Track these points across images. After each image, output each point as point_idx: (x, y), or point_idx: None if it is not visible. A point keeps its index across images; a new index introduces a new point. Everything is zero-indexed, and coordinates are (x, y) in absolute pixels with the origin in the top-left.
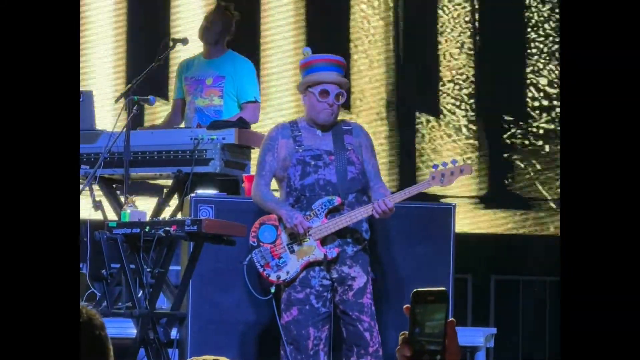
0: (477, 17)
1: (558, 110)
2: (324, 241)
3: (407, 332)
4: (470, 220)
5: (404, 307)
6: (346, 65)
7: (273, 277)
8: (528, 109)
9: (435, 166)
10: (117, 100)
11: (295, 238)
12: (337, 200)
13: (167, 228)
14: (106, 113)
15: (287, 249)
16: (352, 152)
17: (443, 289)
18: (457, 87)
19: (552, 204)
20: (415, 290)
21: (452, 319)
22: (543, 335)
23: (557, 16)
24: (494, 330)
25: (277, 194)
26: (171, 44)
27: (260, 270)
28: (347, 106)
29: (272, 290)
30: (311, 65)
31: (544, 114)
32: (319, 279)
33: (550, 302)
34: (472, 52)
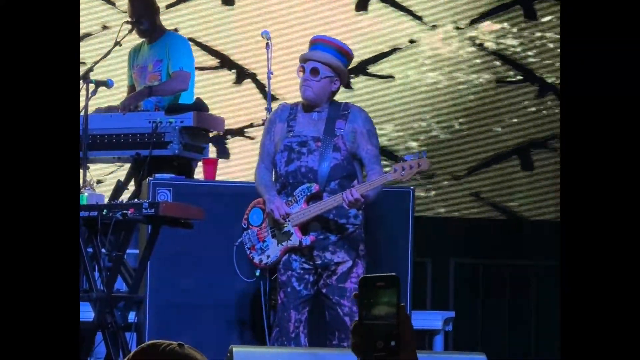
0: None
1: None
2: (305, 228)
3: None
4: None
5: (353, 294)
6: (339, 46)
7: (256, 260)
8: None
9: (400, 159)
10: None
11: (277, 223)
12: (314, 187)
13: (125, 211)
14: None
15: (270, 233)
16: (340, 139)
17: (393, 274)
18: None
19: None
20: (363, 276)
21: (402, 303)
22: (503, 319)
23: None
24: (452, 314)
25: None
26: (130, 26)
27: (247, 252)
28: None
29: (257, 273)
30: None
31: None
32: (300, 262)
33: (510, 285)
34: None
